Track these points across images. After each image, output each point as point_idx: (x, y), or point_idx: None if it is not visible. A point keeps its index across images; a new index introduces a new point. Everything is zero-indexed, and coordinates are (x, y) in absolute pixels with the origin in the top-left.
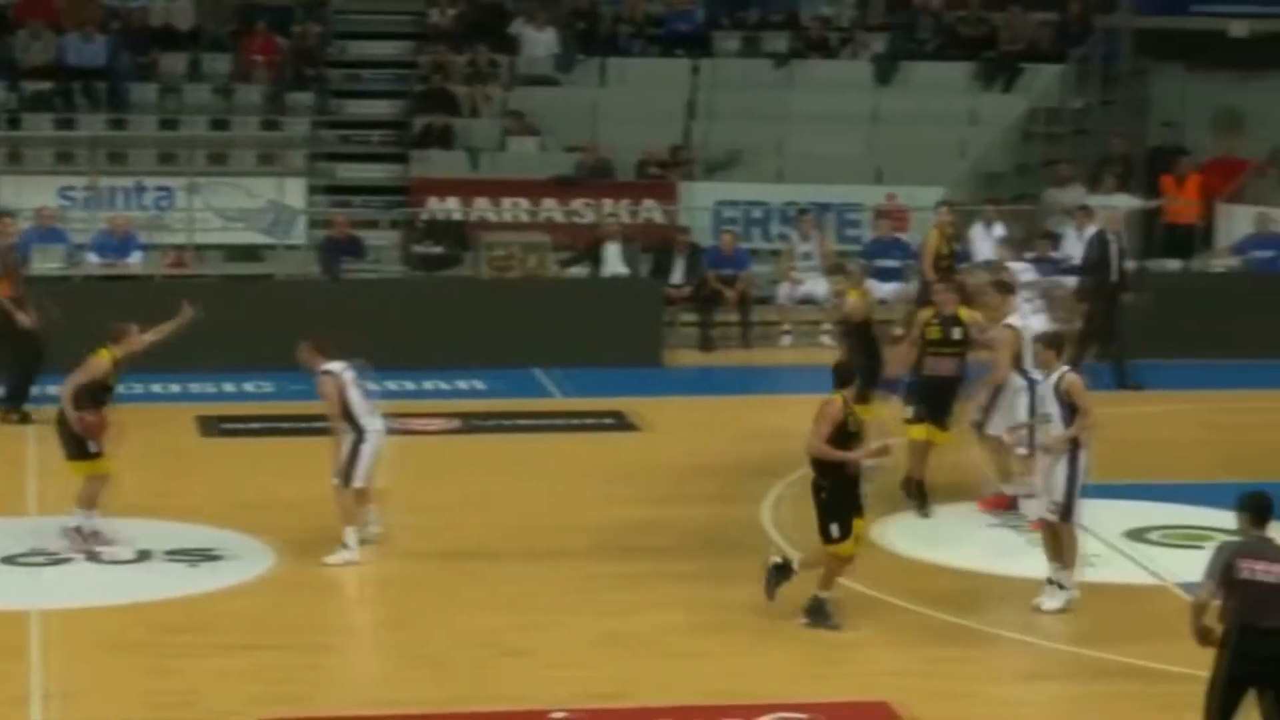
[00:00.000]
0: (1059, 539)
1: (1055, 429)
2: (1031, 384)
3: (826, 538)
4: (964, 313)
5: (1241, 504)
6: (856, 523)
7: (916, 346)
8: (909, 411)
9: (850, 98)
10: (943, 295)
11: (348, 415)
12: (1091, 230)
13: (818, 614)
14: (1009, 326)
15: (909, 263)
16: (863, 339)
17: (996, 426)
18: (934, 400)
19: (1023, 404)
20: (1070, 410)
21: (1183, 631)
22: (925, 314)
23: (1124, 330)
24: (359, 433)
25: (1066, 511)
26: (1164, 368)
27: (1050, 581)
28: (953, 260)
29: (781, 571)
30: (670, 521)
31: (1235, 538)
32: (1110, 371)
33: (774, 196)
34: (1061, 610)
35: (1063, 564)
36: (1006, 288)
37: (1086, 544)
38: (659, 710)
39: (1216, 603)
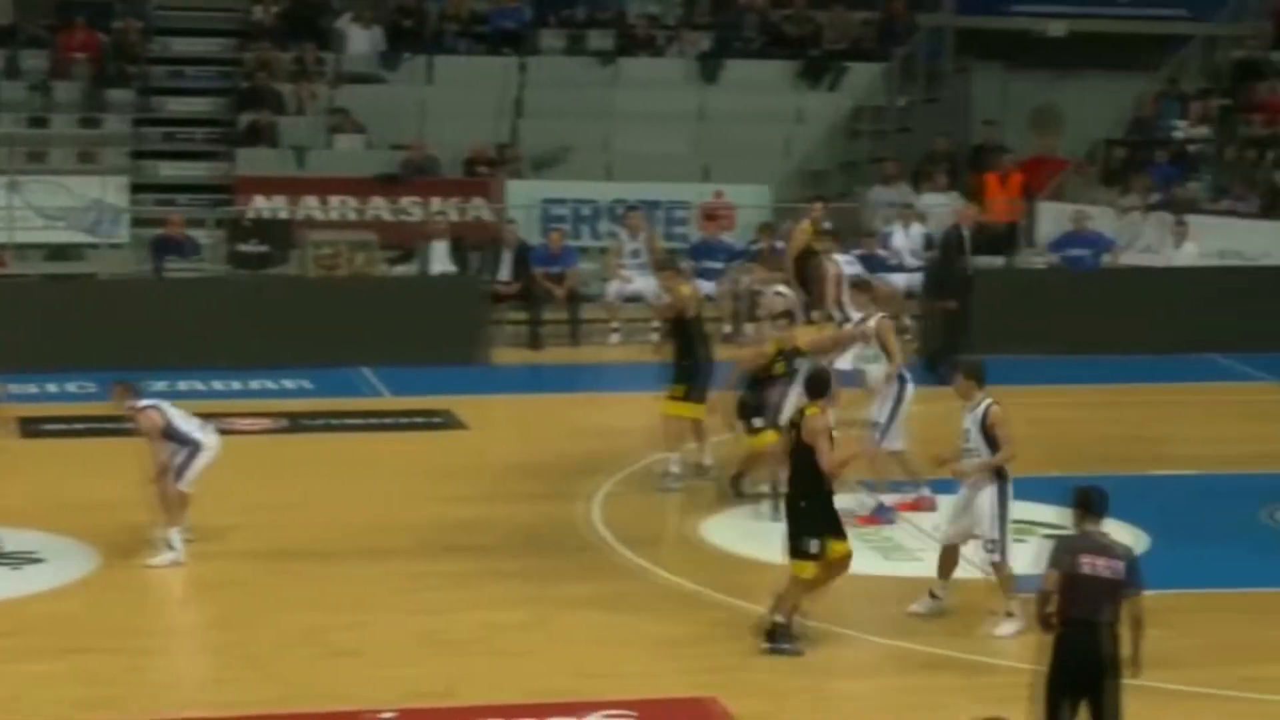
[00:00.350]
0: (999, 573)
1: (982, 459)
2: (902, 379)
3: (801, 553)
4: (803, 343)
5: (1075, 498)
6: (834, 545)
7: (758, 368)
8: (757, 422)
9: (676, 95)
10: (787, 330)
11: (179, 439)
12: (918, 228)
13: (777, 637)
14: (885, 318)
15: (733, 263)
16: (690, 334)
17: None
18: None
19: (892, 391)
20: (993, 441)
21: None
22: (770, 350)
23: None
24: (194, 446)
25: (1003, 549)
26: (986, 363)
27: (929, 603)
28: (819, 256)
29: (778, 633)
30: (498, 520)
31: (1071, 532)
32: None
33: (601, 194)
34: (1016, 634)
35: (1005, 594)
36: (866, 284)
37: (912, 538)
38: (487, 709)
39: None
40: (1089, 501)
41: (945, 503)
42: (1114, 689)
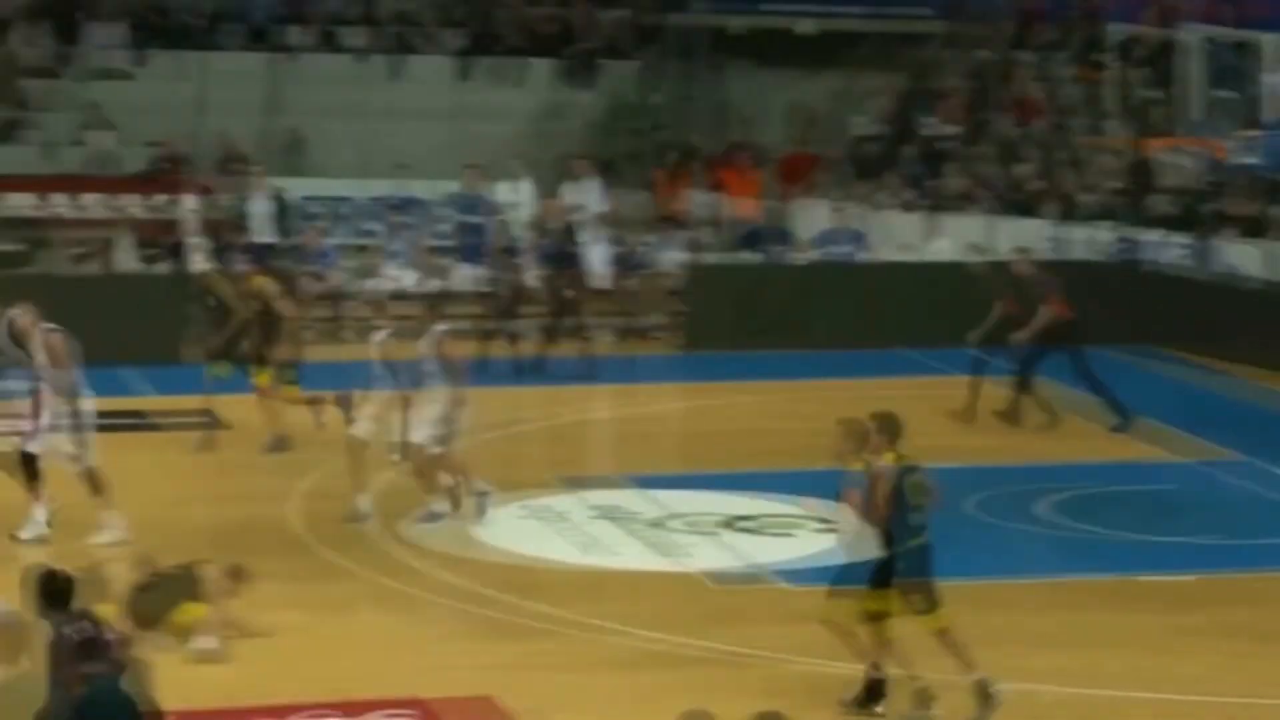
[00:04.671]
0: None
1: None
2: None
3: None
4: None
5: (40, 587)
6: None
7: None
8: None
9: (433, 93)
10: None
11: None
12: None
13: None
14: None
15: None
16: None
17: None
18: None
19: None
20: None
21: (774, 617)
22: None
23: None
24: None
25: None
26: (744, 359)
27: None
28: None
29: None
30: (268, 519)
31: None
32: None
33: (358, 191)
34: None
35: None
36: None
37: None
38: (265, 709)
39: None
40: (52, 593)
41: None
42: None
